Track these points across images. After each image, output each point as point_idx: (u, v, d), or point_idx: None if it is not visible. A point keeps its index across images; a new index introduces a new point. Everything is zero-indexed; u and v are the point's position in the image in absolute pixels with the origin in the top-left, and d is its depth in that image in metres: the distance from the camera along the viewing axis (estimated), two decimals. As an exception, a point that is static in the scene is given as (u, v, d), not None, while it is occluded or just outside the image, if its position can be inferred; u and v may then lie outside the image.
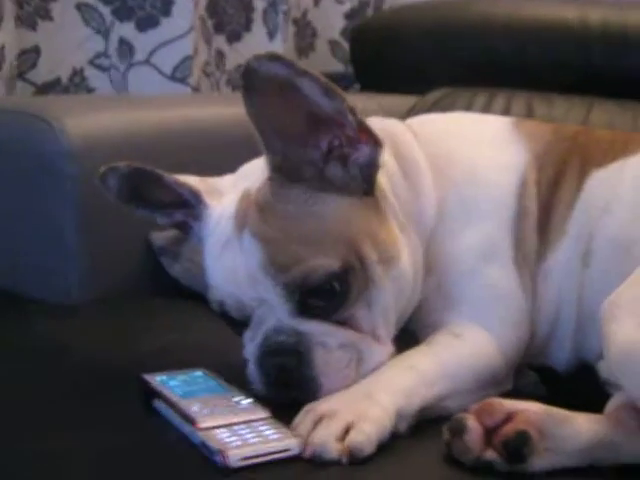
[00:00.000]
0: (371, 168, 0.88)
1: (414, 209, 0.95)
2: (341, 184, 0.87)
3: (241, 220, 0.87)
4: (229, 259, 0.87)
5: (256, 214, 0.86)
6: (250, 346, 0.88)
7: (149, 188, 0.96)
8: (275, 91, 0.81)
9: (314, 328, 0.85)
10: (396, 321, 0.91)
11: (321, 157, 0.87)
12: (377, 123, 0.97)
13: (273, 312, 0.86)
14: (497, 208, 0.98)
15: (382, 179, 0.91)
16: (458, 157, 1.00)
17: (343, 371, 0.85)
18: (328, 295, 0.85)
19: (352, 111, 0.84)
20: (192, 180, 0.96)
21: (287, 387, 0.85)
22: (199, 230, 0.95)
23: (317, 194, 0.86)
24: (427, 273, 0.95)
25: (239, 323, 0.90)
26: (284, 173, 0.86)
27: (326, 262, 0.83)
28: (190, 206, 0.95)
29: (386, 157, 0.92)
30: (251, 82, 0.80)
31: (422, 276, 0.94)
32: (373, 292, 0.87)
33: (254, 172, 0.91)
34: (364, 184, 0.88)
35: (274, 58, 0.79)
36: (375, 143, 0.86)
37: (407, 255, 0.90)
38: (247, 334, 0.89)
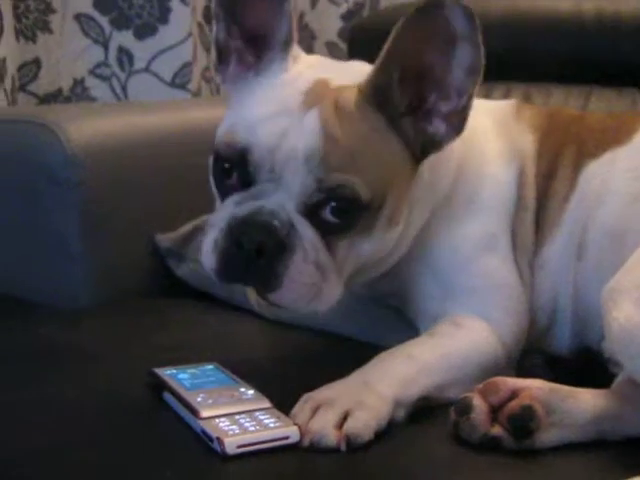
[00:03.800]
0: (435, 145, 0.90)
1: (434, 187, 0.96)
2: (413, 135, 0.89)
3: (313, 99, 0.87)
4: (282, 122, 0.85)
5: (331, 107, 0.87)
6: (228, 210, 0.86)
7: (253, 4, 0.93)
8: (436, 36, 0.83)
9: (308, 233, 0.84)
10: (357, 275, 0.91)
11: (415, 106, 0.88)
12: None
13: (281, 196, 0.84)
14: (498, 200, 0.98)
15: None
16: (469, 147, 0.99)
17: (305, 286, 0.84)
18: (339, 216, 0.85)
19: (470, 97, 0.87)
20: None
21: (245, 267, 0.83)
22: (260, 66, 0.93)
23: (387, 131, 0.88)
24: (420, 257, 0.96)
25: (231, 183, 0.88)
26: (377, 94, 0.87)
27: (362, 188, 0.85)
28: (275, 53, 0.92)
29: None
30: (428, 11, 0.82)
31: (403, 249, 0.95)
32: (364, 238, 0.88)
33: (342, 68, 0.95)
34: (421, 150, 0.90)
35: (466, 13, 0.81)
36: (456, 130, 0.89)
37: (401, 227, 0.91)
38: (233, 197, 0.87)
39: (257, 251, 0.82)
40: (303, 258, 0.83)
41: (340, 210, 0.85)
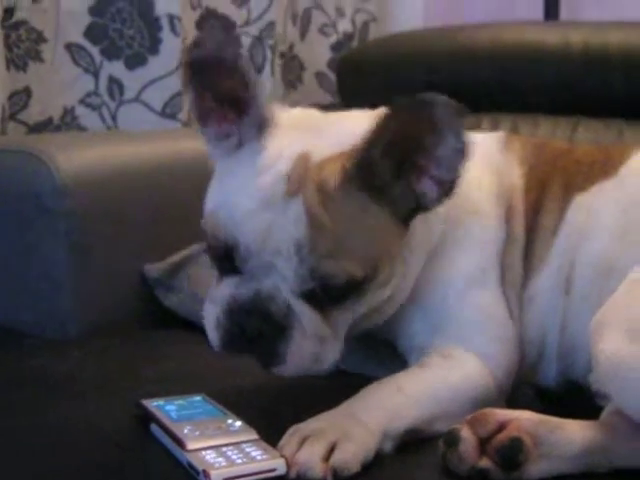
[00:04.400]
0: (425, 209, 0.89)
1: (426, 235, 0.96)
2: (397, 202, 0.88)
3: (296, 184, 0.86)
4: (267, 214, 0.85)
5: (314, 191, 0.85)
6: (228, 290, 0.87)
7: (233, 76, 0.89)
8: (421, 121, 0.82)
9: (305, 312, 0.85)
10: (356, 326, 0.92)
11: (404, 177, 0.87)
12: None
13: (276, 279, 0.85)
14: (487, 236, 0.98)
15: None
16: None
17: (306, 357, 0.86)
18: (334, 294, 0.86)
19: (460, 170, 0.86)
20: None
21: (248, 346, 0.85)
22: (241, 130, 0.90)
23: (373, 205, 0.87)
24: (411, 299, 0.96)
25: (226, 266, 0.88)
26: (362, 173, 0.86)
27: (354, 269, 0.85)
28: (252, 121, 0.90)
29: None
30: (419, 107, 0.81)
31: (400, 301, 0.95)
32: (360, 304, 0.89)
33: (331, 131, 0.90)
34: (412, 216, 0.90)
35: (457, 110, 0.81)
36: (446, 194, 0.88)
37: (395, 283, 0.91)
38: (232, 278, 0.88)
39: (258, 334, 0.85)
40: (302, 335, 0.85)
41: (334, 289, 0.86)
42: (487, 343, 0.94)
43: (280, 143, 0.89)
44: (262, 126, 0.90)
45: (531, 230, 1.00)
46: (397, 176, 0.87)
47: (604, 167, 1.00)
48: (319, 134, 0.90)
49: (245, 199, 0.86)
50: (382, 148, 0.85)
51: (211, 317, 0.88)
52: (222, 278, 0.89)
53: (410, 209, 0.89)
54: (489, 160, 1.03)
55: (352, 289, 0.86)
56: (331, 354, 0.88)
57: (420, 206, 0.89)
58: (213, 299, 0.89)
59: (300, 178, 0.86)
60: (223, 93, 0.91)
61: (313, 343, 0.86)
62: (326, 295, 0.86)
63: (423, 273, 0.96)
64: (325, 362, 0.88)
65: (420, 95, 0.81)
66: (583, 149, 1.08)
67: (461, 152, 0.84)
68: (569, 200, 0.99)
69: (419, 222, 0.93)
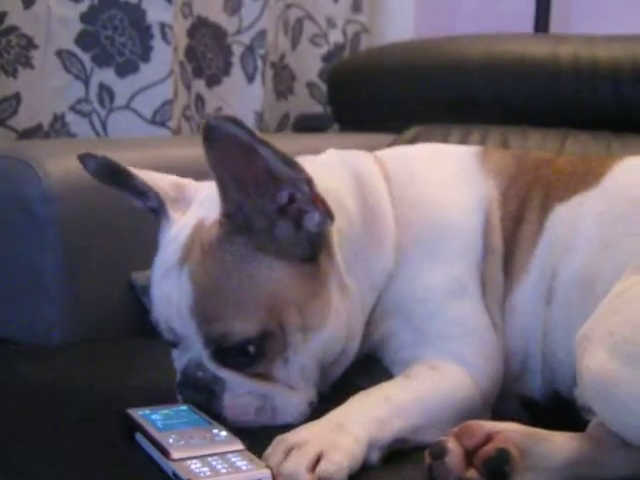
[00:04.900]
0: (318, 237, 0.89)
1: (370, 255, 0.96)
2: (286, 244, 0.87)
3: (186, 252, 0.89)
4: (167, 287, 0.90)
5: (199, 254, 0.88)
6: (177, 365, 0.93)
7: (124, 179, 0.97)
8: (235, 147, 0.81)
9: (228, 375, 0.88)
10: (329, 373, 0.93)
11: (275, 211, 0.87)
12: (349, 162, 1.00)
13: (196, 348, 0.89)
14: (463, 249, 0.98)
15: (338, 226, 0.91)
16: (423, 201, 1.00)
17: (249, 415, 0.88)
18: (243, 354, 0.87)
19: (309, 182, 0.85)
20: (165, 182, 0.97)
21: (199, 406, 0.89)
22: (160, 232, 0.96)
23: (256, 253, 0.87)
24: (391, 313, 0.96)
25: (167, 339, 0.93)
26: (234, 220, 0.87)
27: (245, 326, 0.86)
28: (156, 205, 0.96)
29: (349, 201, 0.94)
30: (212, 135, 0.81)
31: (362, 328, 0.95)
32: (290, 354, 0.89)
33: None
34: (308, 250, 0.88)
35: (235, 122, 0.80)
36: (327, 214, 0.87)
37: (339, 318, 0.91)
38: (175, 352, 0.93)
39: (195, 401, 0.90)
40: (232, 397, 0.88)
41: (240, 350, 0.87)
42: (471, 354, 0.94)
43: (186, 218, 0.93)
44: (164, 208, 0.95)
45: (511, 241, 0.99)
46: (278, 217, 0.87)
47: (585, 178, 0.99)
48: (216, 199, 0.89)
49: (154, 271, 0.93)
50: (236, 189, 0.85)
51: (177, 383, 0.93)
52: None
53: (306, 246, 0.88)
54: (464, 173, 1.03)
55: (257, 346, 0.87)
56: (291, 401, 0.89)
57: (312, 238, 0.88)
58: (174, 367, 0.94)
59: (191, 245, 0.89)
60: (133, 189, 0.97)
61: (250, 400, 0.88)
62: (236, 356, 0.87)
63: (400, 292, 0.96)
64: (282, 415, 0.89)
65: (205, 124, 0.80)
66: (564, 159, 1.08)
67: (286, 159, 0.83)
68: (549, 210, 0.99)
69: (359, 236, 0.93)
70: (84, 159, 0.97)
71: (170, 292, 0.89)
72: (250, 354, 0.87)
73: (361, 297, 0.95)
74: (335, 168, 1.00)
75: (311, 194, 0.86)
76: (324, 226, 0.88)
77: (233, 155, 0.82)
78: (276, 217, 0.87)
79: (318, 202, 0.86)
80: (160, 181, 0.97)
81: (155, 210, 0.98)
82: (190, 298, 0.87)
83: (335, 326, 0.91)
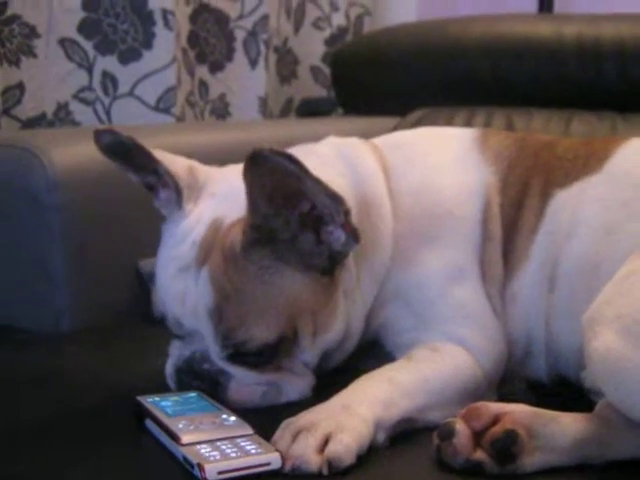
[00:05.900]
0: (340, 256, 0.90)
1: (369, 251, 0.96)
2: (307, 256, 0.88)
3: (204, 254, 0.89)
4: (181, 285, 0.90)
5: (220, 259, 0.88)
6: (176, 353, 0.94)
7: (139, 159, 0.95)
8: (278, 173, 0.82)
9: (237, 371, 0.90)
10: (329, 361, 0.95)
11: (299, 223, 0.87)
12: (347, 156, 1.00)
13: (205, 342, 0.90)
14: (462, 235, 0.98)
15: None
16: (421, 189, 1.00)
17: (254, 400, 0.91)
18: (257, 356, 0.89)
19: (346, 214, 0.86)
20: (178, 166, 0.95)
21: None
22: (166, 212, 0.96)
23: (279, 263, 0.88)
24: (392, 299, 0.97)
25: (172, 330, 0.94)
26: (260, 231, 0.87)
27: (265, 334, 0.88)
28: (169, 195, 0.95)
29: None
30: (259, 161, 0.80)
31: (363, 320, 0.96)
32: (297, 353, 0.91)
33: (239, 193, 0.87)
34: (328, 264, 0.89)
35: (286, 157, 0.80)
36: (355, 238, 0.88)
37: (344, 319, 0.93)
38: (177, 342, 0.94)
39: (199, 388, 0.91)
40: (237, 388, 0.90)
41: (255, 353, 0.89)
42: (472, 336, 0.94)
43: (199, 211, 0.93)
44: (179, 198, 0.94)
45: (511, 228, 0.99)
46: (301, 230, 0.87)
47: (587, 162, 0.98)
48: (234, 198, 0.89)
49: (165, 268, 0.92)
50: (266, 203, 0.85)
51: (169, 365, 0.95)
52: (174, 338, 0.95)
53: (327, 260, 0.89)
54: (463, 157, 1.03)
55: (271, 350, 0.89)
56: (292, 392, 0.92)
57: (334, 255, 0.89)
58: (171, 351, 0.95)
59: (209, 246, 0.89)
60: (144, 170, 0.95)
61: (255, 387, 0.91)
62: (249, 357, 0.89)
63: (400, 279, 0.97)
64: (285, 395, 0.92)
65: (255, 153, 0.79)
66: (566, 142, 1.06)
67: (333, 194, 0.84)
68: (550, 196, 0.98)
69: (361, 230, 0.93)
70: (100, 135, 0.93)
71: (185, 291, 0.89)
72: (264, 357, 0.89)
73: (363, 294, 0.96)
74: (335, 164, 0.99)
75: (345, 223, 0.87)
76: (349, 247, 0.89)
77: (274, 179, 0.82)
78: (300, 229, 0.88)
79: (347, 227, 0.87)
80: (173, 164, 0.95)
81: (151, 187, 0.97)
82: (210, 301, 0.87)
83: (340, 327, 0.93)
